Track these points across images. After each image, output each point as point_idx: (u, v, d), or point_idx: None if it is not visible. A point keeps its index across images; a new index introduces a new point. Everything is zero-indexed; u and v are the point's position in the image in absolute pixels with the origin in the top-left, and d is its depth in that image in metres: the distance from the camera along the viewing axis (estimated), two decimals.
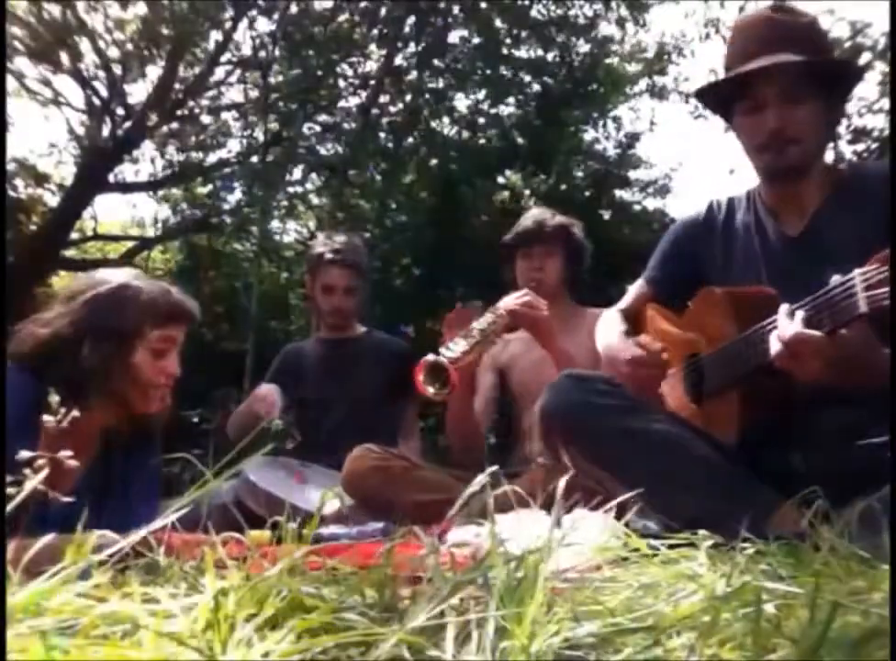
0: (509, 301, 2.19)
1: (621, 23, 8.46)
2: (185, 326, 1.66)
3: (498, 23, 7.95)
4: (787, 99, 1.49)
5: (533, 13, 8.14)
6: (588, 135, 8.93)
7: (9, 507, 0.72)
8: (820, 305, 1.22)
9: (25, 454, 0.95)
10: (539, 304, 2.20)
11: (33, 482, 0.76)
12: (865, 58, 6.10)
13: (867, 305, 1.11)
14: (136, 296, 1.59)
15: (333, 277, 2.78)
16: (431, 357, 1.91)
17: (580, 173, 8.78)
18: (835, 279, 1.21)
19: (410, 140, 8.35)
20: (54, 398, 1.14)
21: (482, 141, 8.39)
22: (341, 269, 2.78)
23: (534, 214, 2.65)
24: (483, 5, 7.77)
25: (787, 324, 1.25)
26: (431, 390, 1.90)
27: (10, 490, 0.80)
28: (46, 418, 1.13)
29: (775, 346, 1.28)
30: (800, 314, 1.25)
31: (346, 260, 2.78)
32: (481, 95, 8.24)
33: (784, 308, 1.29)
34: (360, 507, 2.16)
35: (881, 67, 6.08)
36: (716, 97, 1.64)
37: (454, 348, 1.95)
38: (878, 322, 1.15)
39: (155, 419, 1.69)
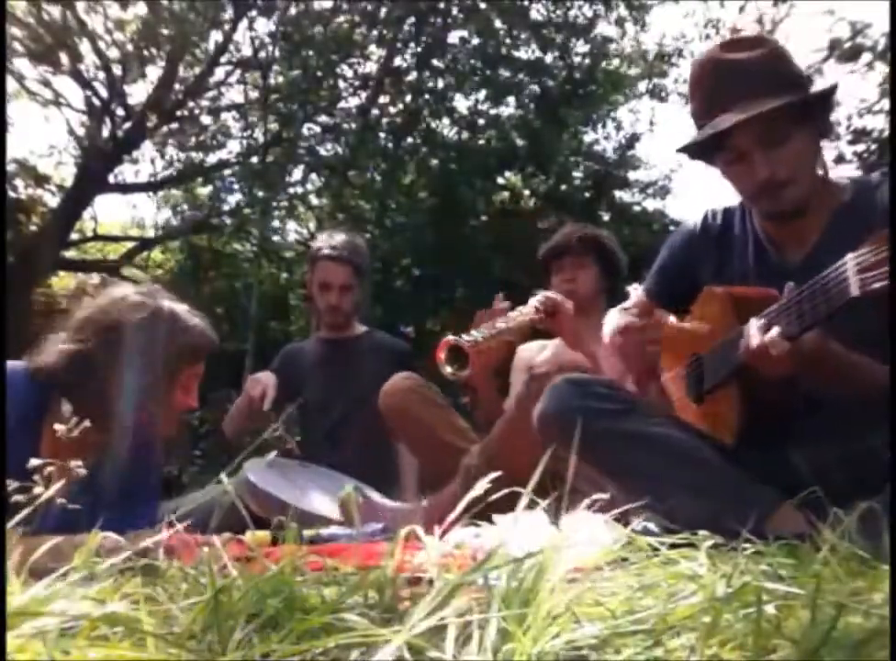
0: (536, 298, 2.26)
1: (620, 23, 8.47)
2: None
3: (497, 24, 7.96)
4: (769, 144, 1.43)
5: (533, 14, 8.15)
6: (588, 136, 8.94)
7: (20, 517, 0.72)
8: (814, 292, 1.22)
9: (35, 462, 0.96)
10: (564, 302, 2.24)
11: (47, 493, 0.76)
12: (865, 58, 6.10)
13: (858, 288, 1.10)
14: (176, 334, 1.58)
15: (329, 274, 2.77)
16: (452, 338, 2.00)
17: (579, 174, 8.79)
18: (791, 285, 1.26)
19: (410, 140, 8.35)
20: (66, 408, 1.13)
21: (481, 142, 8.39)
22: (338, 265, 2.76)
23: (566, 227, 2.69)
24: (482, 5, 7.77)
25: (753, 331, 1.31)
26: (448, 369, 1.99)
27: (18, 497, 0.80)
28: (57, 426, 1.12)
29: (743, 349, 1.33)
30: (763, 322, 1.31)
31: (342, 257, 2.76)
32: (481, 95, 8.25)
33: (753, 319, 1.33)
34: (391, 425, 2.24)
35: (881, 67, 6.07)
36: (696, 150, 1.58)
37: (476, 334, 2.02)
38: (871, 307, 1.13)
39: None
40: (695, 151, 1.59)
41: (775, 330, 1.27)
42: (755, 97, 1.41)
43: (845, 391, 1.37)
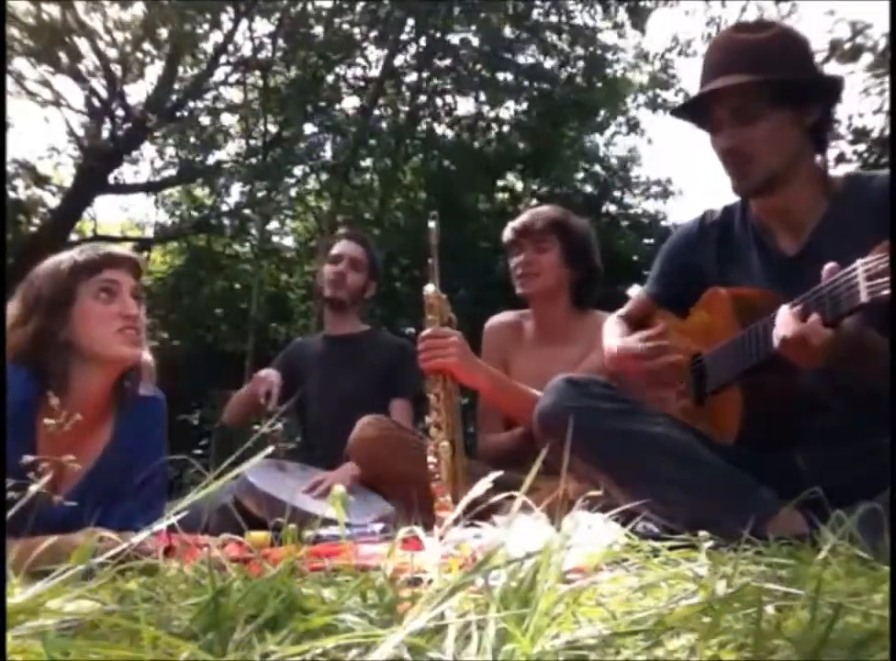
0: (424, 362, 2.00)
1: (619, 27, 8.47)
2: (128, 272, 1.58)
3: (497, 26, 7.96)
4: (738, 120, 1.47)
5: (534, 17, 8.14)
6: (589, 139, 8.94)
7: (12, 511, 0.72)
8: (822, 296, 1.22)
9: (28, 458, 0.95)
10: (443, 338, 2.02)
11: (36, 486, 0.76)
12: (865, 58, 6.11)
13: (868, 295, 1.11)
14: (67, 259, 1.56)
15: (342, 247, 2.86)
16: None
17: (580, 176, 8.79)
18: (831, 266, 1.21)
19: (410, 140, 8.35)
20: (54, 401, 1.12)
21: (481, 144, 8.39)
22: (353, 242, 2.89)
23: (531, 210, 2.48)
24: (483, 7, 7.77)
25: (788, 319, 1.26)
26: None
27: (13, 494, 0.79)
28: (47, 421, 1.11)
29: (777, 338, 1.27)
30: (799, 308, 1.25)
31: (358, 236, 2.99)
32: (481, 97, 8.24)
33: (784, 307, 1.29)
34: (365, 475, 2.14)
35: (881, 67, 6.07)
36: (692, 117, 1.62)
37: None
38: (878, 314, 1.14)
39: (152, 404, 1.67)
40: (692, 118, 1.63)
41: (814, 317, 1.22)
42: (735, 73, 1.46)
43: (879, 379, 1.28)
